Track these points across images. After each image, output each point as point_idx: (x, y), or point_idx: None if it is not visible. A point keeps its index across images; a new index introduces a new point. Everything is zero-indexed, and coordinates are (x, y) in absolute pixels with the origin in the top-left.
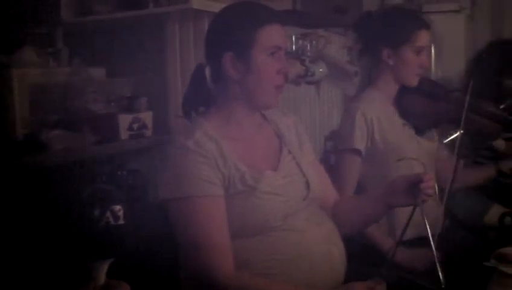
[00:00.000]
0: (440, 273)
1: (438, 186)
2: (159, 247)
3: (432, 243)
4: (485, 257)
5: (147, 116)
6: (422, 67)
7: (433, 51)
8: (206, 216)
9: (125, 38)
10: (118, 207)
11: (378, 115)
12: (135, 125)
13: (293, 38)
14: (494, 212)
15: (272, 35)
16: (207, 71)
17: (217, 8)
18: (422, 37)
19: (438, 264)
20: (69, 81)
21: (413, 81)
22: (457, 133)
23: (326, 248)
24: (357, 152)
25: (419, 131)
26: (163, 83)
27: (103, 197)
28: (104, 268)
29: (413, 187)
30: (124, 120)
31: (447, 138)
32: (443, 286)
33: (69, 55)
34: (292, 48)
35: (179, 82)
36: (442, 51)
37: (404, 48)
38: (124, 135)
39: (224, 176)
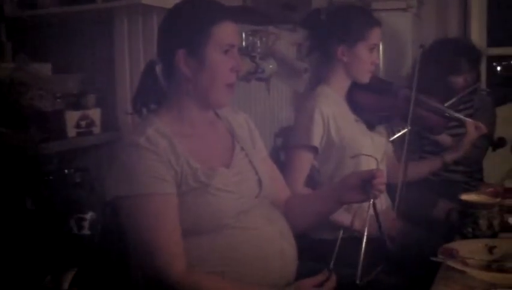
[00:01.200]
0: (359, 270)
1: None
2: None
3: (364, 239)
4: (433, 250)
5: (95, 113)
6: (374, 64)
7: (381, 48)
8: (157, 214)
9: (72, 33)
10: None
11: (334, 112)
12: (83, 123)
13: (243, 35)
14: (441, 207)
15: (226, 32)
16: (158, 68)
17: (166, 3)
18: (376, 35)
19: (361, 260)
20: (14, 77)
21: (366, 78)
22: (405, 129)
23: (279, 245)
24: (313, 149)
25: (370, 126)
26: (111, 80)
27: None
28: (66, 279)
29: (365, 183)
30: (71, 117)
31: (395, 133)
32: (358, 283)
33: (13, 50)
34: (242, 44)
35: (127, 78)
36: (390, 49)
37: (359, 45)
38: (71, 132)
39: (176, 173)
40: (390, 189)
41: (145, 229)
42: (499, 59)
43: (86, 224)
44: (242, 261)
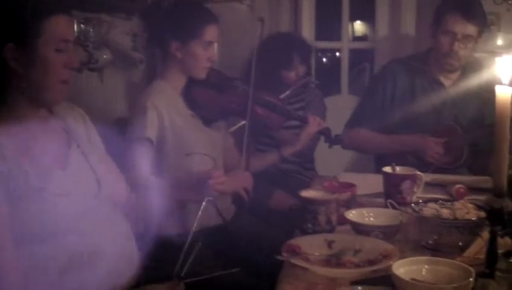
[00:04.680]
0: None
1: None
2: None
3: (189, 237)
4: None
5: None
6: (210, 60)
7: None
8: None
9: None
10: None
11: (168, 107)
12: None
13: (75, 23)
14: (276, 197)
15: (59, 27)
16: None
17: None
18: (211, 32)
19: (182, 255)
20: None
21: (202, 74)
22: (242, 123)
23: (121, 247)
24: (149, 141)
25: (207, 122)
26: None
27: None
28: None
29: (201, 183)
30: None
31: (232, 127)
32: (182, 275)
33: None
34: (74, 33)
35: None
36: (226, 42)
37: (193, 42)
38: None
39: (4, 178)
40: None
41: None
42: (324, 51)
43: None
44: (83, 267)
